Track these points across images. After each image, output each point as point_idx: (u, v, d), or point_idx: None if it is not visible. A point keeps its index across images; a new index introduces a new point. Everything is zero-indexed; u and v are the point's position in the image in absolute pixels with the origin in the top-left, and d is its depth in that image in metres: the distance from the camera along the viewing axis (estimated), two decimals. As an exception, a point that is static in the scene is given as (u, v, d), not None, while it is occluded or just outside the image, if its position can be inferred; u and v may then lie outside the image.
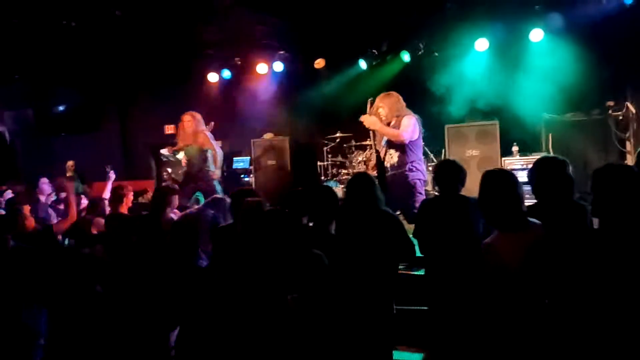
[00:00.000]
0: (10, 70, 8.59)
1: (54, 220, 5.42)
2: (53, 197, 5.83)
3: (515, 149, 6.95)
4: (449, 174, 3.42)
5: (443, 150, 7.16)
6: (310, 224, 3.41)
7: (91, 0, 5.57)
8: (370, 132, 5.34)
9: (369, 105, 5.24)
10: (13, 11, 5.97)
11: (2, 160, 10.35)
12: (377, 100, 5.19)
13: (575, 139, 6.61)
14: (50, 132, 10.91)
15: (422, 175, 5.03)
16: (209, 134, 6.71)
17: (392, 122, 5.05)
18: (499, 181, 2.65)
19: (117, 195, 4.78)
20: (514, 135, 7.06)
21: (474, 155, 6.94)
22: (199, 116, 7.05)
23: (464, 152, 6.96)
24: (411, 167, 4.99)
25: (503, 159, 6.85)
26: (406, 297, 3.73)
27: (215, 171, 6.41)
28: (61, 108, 11.15)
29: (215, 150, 6.48)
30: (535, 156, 6.48)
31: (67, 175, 8.78)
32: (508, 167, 6.75)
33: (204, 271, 3.82)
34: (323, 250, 2.88)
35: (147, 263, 4.25)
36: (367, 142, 6.92)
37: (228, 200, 4.07)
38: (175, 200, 4.51)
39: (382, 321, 3.22)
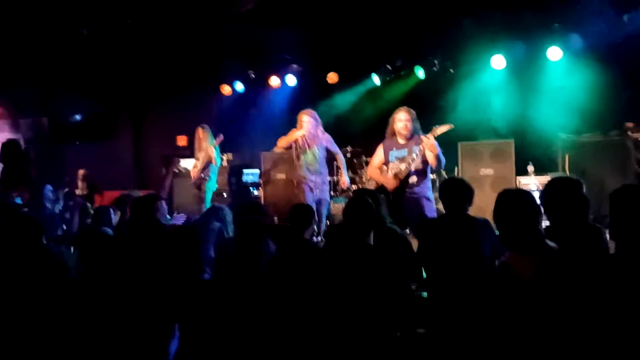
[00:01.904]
0: (25, 78, 8.67)
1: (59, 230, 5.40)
2: (60, 205, 5.79)
3: (530, 168, 6.78)
4: (455, 192, 3.29)
5: (456, 168, 7.02)
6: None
7: (104, 8, 5.56)
8: (413, 152, 4.90)
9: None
10: (28, 19, 6.02)
11: (16, 167, 10.42)
12: (402, 114, 5.03)
13: (592, 160, 6.42)
14: (64, 140, 10.98)
15: (431, 192, 4.99)
16: (217, 147, 6.85)
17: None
18: (516, 201, 2.51)
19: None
20: (530, 155, 6.90)
21: (488, 174, 6.78)
22: (209, 130, 7.22)
23: (478, 171, 6.82)
24: (428, 187, 4.97)
25: (518, 178, 6.68)
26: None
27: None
28: (76, 117, 11.24)
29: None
30: (551, 176, 6.34)
31: (79, 183, 8.84)
32: (523, 187, 6.60)
33: (207, 284, 3.75)
34: (361, 261, 2.75)
35: (148, 272, 4.20)
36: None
37: (227, 210, 4.02)
38: (164, 206, 4.41)
39: (386, 344, 3.08)
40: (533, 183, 6.53)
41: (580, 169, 6.35)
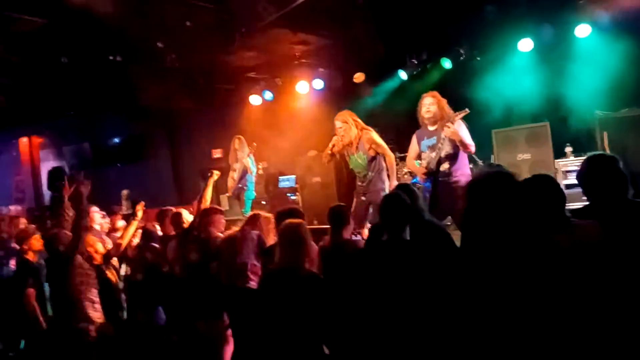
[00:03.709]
0: (67, 108, 9.05)
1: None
2: (107, 225, 6.01)
3: (569, 149, 6.65)
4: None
5: (492, 156, 6.94)
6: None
7: (134, 34, 5.78)
8: (441, 139, 4.83)
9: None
10: (61, 51, 6.32)
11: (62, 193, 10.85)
12: (425, 99, 4.99)
13: (633, 135, 6.23)
14: (105, 163, 11.39)
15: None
16: (251, 157, 6.95)
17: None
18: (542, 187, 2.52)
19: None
20: (567, 136, 6.76)
21: (526, 159, 6.68)
22: (244, 140, 7.36)
23: (515, 157, 6.72)
24: (462, 173, 4.86)
25: (556, 161, 6.56)
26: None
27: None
28: (115, 140, 11.65)
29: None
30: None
31: (123, 203, 9.14)
32: (562, 169, 6.48)
33: (253, 293, 3.83)
34: (400, 257, 2.77)
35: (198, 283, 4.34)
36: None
37: (264, 216, 4.11)
38: (220, 220, 4.56)
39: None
40: (572, 164, 6.41)
41: (621, 145, 6.17)
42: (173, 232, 4.80)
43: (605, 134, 6.47)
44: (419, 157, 5.11)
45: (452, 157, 4.83)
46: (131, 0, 5.23)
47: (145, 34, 5.92)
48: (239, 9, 4.99)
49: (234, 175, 7.64)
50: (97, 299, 4.38)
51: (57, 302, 4.45)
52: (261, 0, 4.80)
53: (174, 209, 5.07)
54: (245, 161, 7.36)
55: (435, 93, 5.02)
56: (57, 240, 4.40)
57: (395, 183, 5.40)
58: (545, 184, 2.48)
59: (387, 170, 5.41)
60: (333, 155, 5.55)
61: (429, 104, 4.92)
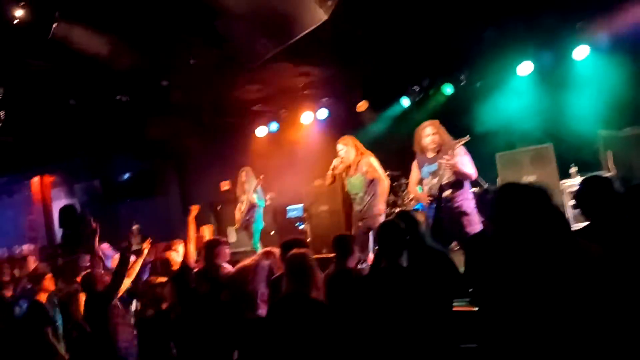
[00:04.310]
0: (76, 146, 9.24)
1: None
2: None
3: (573, 170, 6.64)
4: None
5: (497, 179, 6.95)
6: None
7: (139, 74, 5.95)
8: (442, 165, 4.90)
9: None
10: (69, 93, 6.51)
11: (75, 231, 11.01)
12: (427, 128, 5.10)
13: (637, 153, 6.24)
14: (116, 199, 11.53)
15: (474, 204, 4.91)
16: (259, 189, 6.99)
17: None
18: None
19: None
20: (572, 157, 6.76)
21: (531, 181, 6.67)
22: (251, 172, 7.43)
23: (520, 179, 6.71)
24: (464, 198, 4.93)
25: (562, 181, 6.55)
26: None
27: None
28: (125, 176, 11.83)
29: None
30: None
31: (133, 238, 9.22)
32: (567, 190, 6.47)
33: (263, 320, 3.86)
34: (397, 284, 2.79)
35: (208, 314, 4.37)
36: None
37: (277, 252, 4.16)
38: (225, 251, 4.61)
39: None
40: (577, 185, 6.39)
41: (626, 164, 6.18)
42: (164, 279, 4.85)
43: (609, 153, 6.49)
44: (420, 182, 5.17)
45: (454, 183, 4.89)
46: (135, 41, 5.40)
47: (150, 73, 6.10)
48: (239, 48, 5.13)
49: (242, 207, 7.70)
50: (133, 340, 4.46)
51: (96, 342, 4.47)
52: (260, 38, 4.93)
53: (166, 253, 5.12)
54: (252, 195, 7.43)
55: (435, 122, 5.12)
56: (94, 281, 4.50)
57: (382, 207, 5.63)
58: None
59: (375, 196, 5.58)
60: (334, 177, 5.81)
61: (432, 134, 5.00)
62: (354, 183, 5.67)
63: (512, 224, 2.24)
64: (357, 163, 5.66)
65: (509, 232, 2.27)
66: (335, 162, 5.78)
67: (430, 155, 5.05)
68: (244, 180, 7.62)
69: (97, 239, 4.72)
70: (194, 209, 4.99)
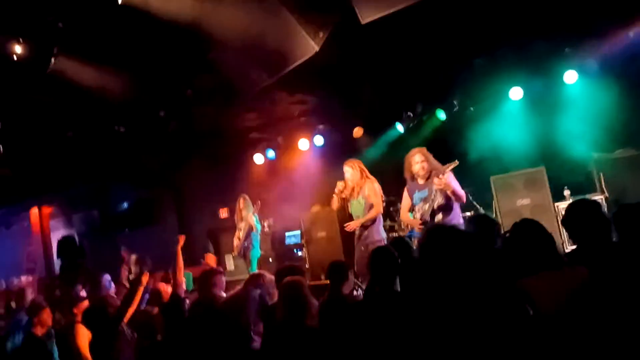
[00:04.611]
0: (74, 177, 9.31)
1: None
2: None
3: (567, 192, 6.70)
4: (484, 228, 3.37)
5: (493, 202, 7.00)
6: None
7: (136, 105, 6.06)
8: (433, 191, 5.07)
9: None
10: (67, 125, 6.62)
11: (73, 261, 11.01)
12: (417, 156, 5.23)
13: (630, 175, 6.31)
14: (114, 229, 11.54)
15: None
16: (255, 215, 7.04)
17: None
18: (526, 228, 2.61)
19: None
20: (565, 180, 6.84)
21: (525, 204, 6.73)
22: (248, 199, 7.49)
23: (515, 202, 6.77)
24: (456, 223, 4.99)
25: (556, 204, 6.61)
26: None
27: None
28: (124, 205, 11.86)
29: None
30: (591, 197, 6.25)
31: (132, 268, 9.21)
32: (562, 213, 6.51)
33: (257, 353, 3.85)
34: (390, 309, 2.82)
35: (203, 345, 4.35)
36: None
37: (267, 276, 4.17)
38: (221, 280, 4.62)
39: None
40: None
41: (618, 186, 6.25)
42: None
43: (602, 175, 6.56)
44: (412, 209, 5.26)
45: (445, 208, 5.01)
46: (132, 74, 5.51)
47: (147, 104, 6.20)
48: (235, 77, 5.25)
49: (240, 234, 7.72)
50: None
51: None
52: (254, 68, 5.05)
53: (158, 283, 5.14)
54: (250, 219, 7.46)
55: (423, 149, 5.27)
56: (106, 304, 4.51)
57: (382, 233, 5.76)
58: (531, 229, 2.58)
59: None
60: (341, 200, 5.85)
61: (421, 162, 5.14)
62: (356, 206, 5.80)
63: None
64: (361, 186, 5.78)
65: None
66: (339, 185, 5.87)
67: (420, 181, 5.18)
68: (242, 207, 7.66)
69: (123, 268, 4.78)
70: (181, 239, 5.05)
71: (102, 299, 4.62)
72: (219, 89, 6.51)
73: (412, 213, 5.32)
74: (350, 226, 5.67)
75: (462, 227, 4.90)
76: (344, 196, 5.82)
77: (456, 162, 4.97)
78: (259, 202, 7.50)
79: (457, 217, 5.10)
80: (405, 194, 5.33)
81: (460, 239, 2.34)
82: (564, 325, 2.16)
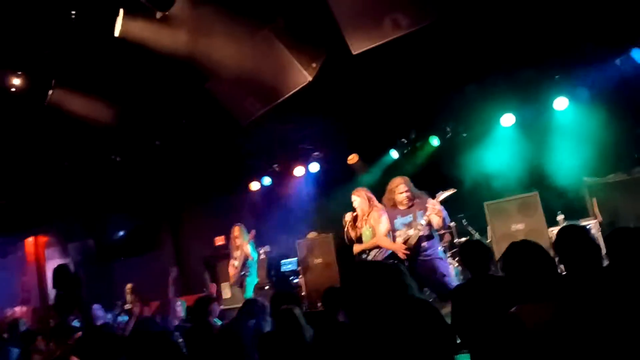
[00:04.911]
0: (70, 206, 9.32)
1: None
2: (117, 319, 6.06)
3: (560, 217, 6.74)
4: (476, 255, 3.40)
5: (488, 228, 7.04)
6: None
7: (132, 134, 6.13)
8: (418, 215, 5.21)
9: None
10: (63, 155, 6.67)
11: (68, 291, 10.91)
12: (401, 186, 5.34)
13: (621, 199, 6.37)
14: (110, 258, 11.50)
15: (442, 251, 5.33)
16: (251, 242, 7.07)
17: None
18: (522, 252, 2.63)
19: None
20: (559, 204, 6.89)
21: (520, 229, 6.76)
22: (243, 228, 7.50)
23: (509, 227, 6.79)
24: (437, 246, 5.27)
25: (550, 229, 6.64)
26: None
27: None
28: (120, 234, 11.83)
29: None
30: (584, 222, 6.30)
31: (127, 297, 9.15)
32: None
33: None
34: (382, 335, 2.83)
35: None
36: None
37: (262, 303, 4.17)
38: (216, 308, 4.62)
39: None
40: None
41: (611, 210, 6.30)
42: None
43: (594, 200, 6.61)
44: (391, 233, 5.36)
45: (429, 235, 5.18)
46: (128, 104, 5.60)
47: (143, 134, 6.27)
48: (230, 106, 5.33)
49: (235, 263, 7.71)
50: None
51: None
52: (248, 98, 5.15)
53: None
54: (246, 248, 7.47)
55: (406, 178, 5.46)
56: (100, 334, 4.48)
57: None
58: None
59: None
60: (355, 229, 5.78)
61: (406, 191, 5.29)
62: (366, 234, 5.77)
63: None
64: (368, 214, 5.79)
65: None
66: (347, 216, 5.89)
67: (402, 208, 5.24)
68: (237, 235, 7.67)
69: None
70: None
71: (96, 328, 4.59)
72: (214, 118, 6.59)
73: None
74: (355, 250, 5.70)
75: (442, 252, 5.12)
76: (358, 225, 5.80)
77: (454, 190, 5.10)
78: (254, 230, 7.52)
79: (438, 243, 5.33)
80: (385, 218, 5.41)
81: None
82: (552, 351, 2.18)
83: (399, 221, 5.29)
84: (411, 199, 5.26)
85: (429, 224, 5.11)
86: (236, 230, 7.70)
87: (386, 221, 5.39)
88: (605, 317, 2.37)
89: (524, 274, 2.46)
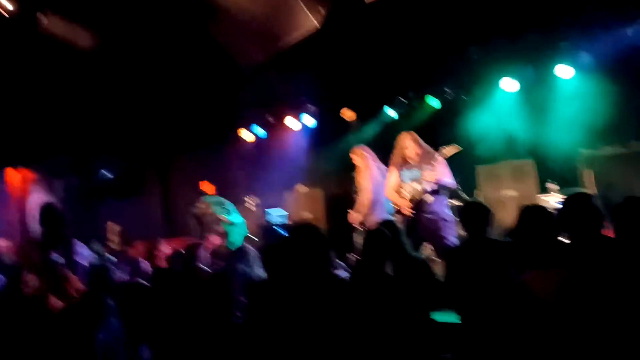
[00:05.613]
0: (58, 145, 9.13)
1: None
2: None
3: (551, 186, 6.74)
4: (475, 216, 3.37)
5: (475, 191, 7.02)
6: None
7: (125, 72, 5.92)
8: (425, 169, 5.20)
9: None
10: (54, 90, 6.43)
11: (54, 230, 10.81)
12: (408, 141, 5.27)
13: (618, 172, 6.35)
14: (96, 198, 11.38)
15: (450, 212, 5.21)
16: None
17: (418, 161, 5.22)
18: (534, 217, 2.61)
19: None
20: (552, 174, 6.87)
21: (510, 195, 6.78)
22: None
23: (499, 193, 6.82)
24: (445, 205, 5.23)
25: (540, 196, 6.65)
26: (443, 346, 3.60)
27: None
28: (107, 175, 11.66)
29: None
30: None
31: (113, 237, 9.09)
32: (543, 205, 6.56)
33: (240, 327, 3.84)
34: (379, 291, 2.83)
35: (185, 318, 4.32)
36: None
37: (252, 251, 4.15)
38: (202, 253, 4.58)
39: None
40: (554, 200, 6.49)
41: (607, 183, 6.29)
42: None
43: (590, 172, 6.60)
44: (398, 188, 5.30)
45: (436, 191, 5.12)
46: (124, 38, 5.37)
47: (136, 76, 6.04)
48: (233, 50, 5.14)
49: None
50: None
51: None
52: (253, 43, 4.96)
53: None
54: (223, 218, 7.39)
55: (413, 133, 5.33)
56: None
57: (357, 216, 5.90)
58: None
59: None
60: None
61: (414, 147, 5.26)
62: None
63: None
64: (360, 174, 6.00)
65: None
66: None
67: (412, 163, 5.20)
68: (204, 212, 7.56)
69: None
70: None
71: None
72: (207, 64, 6.40)
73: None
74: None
75: (448, 210, 5.04)
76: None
77: (458, 148, 5.05)
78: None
79: (445, 200, 5.27)
80: (394, 172, 5.35)
81: None
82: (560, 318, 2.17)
83: (406, 174, 5.27)
84: (419, 154, 5.22)
85: (436, 179, 5.06)
86: (201, 207, 7.54)
87: (395, 177, 5.33)
88: (613, 286, 2.36)
89: (536, 239, 2.43)
